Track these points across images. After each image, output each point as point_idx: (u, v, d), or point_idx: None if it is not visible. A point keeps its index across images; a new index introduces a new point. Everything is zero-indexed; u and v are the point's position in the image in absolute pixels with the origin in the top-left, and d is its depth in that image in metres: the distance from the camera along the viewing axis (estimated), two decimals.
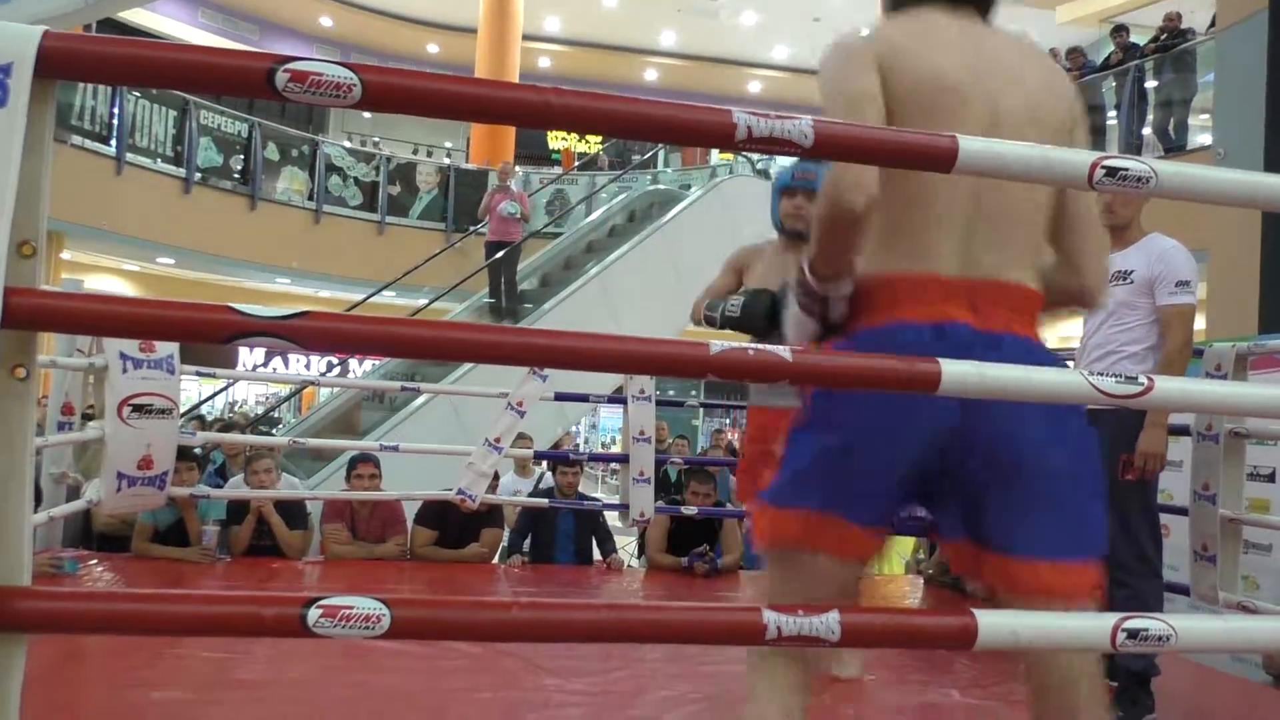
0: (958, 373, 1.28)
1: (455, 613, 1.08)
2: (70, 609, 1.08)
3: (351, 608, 1.06)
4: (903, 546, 6.42)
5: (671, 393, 9.10)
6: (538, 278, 9.89)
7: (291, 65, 1.11)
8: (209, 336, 1.03)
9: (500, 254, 8.78)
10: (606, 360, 1.15)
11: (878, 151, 1.43)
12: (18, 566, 1.10)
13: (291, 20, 18.10)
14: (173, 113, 10.37)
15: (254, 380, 10.51)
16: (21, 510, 1.11)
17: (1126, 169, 1.37)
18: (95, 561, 4.01)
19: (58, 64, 1.10)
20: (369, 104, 1.15)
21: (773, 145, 1.27)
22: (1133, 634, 1.27)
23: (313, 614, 1.06)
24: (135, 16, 15.26)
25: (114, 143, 9.80)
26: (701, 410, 15.72)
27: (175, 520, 4.20)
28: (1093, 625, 1.28)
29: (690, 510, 4.54)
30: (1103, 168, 1.37)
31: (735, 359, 1.19)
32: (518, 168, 13.75)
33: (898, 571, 6.13)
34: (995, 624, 1.20)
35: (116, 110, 9.72)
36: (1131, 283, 2.78)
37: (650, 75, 20.43)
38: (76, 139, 9.34)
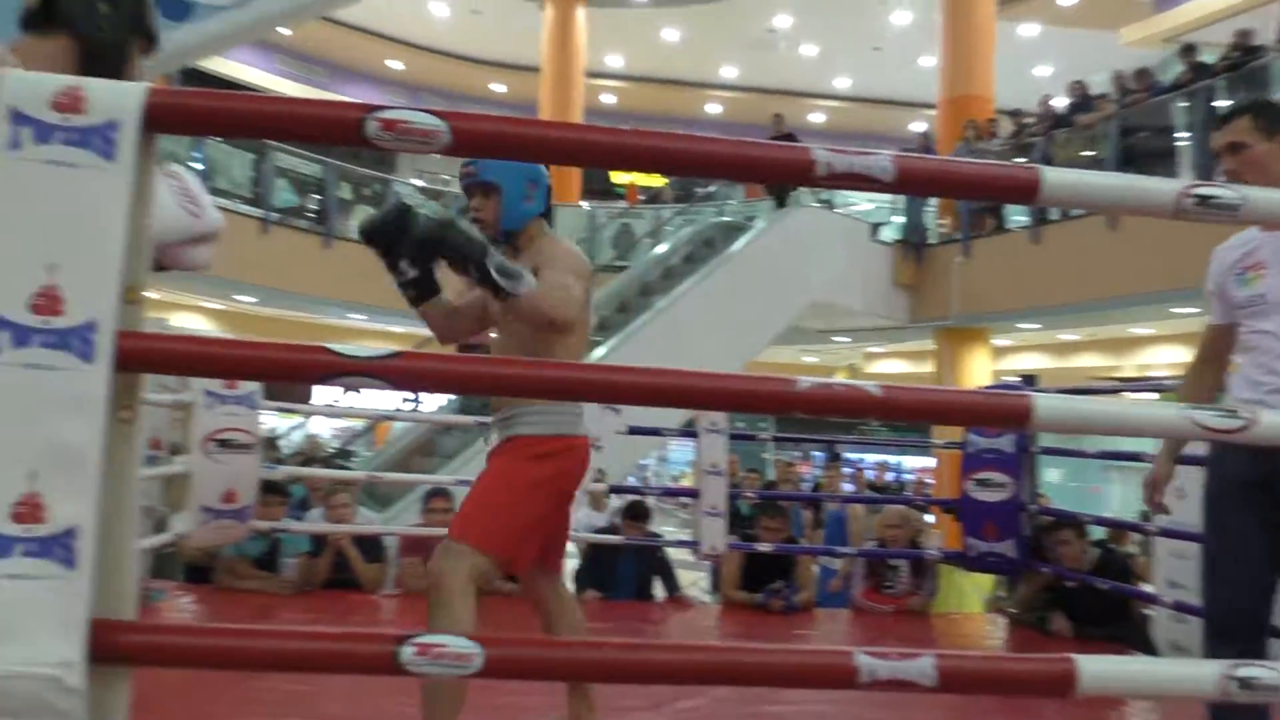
0: (1049, 406, 1.26)
1: (546, 651, 1.09)
2: (173, 643, 1.11)
3: (444, 645, 1.07)
4: (980, 583, 6.27)
5: (741, 425, 9.09)
6: (607, 309, 9.96)
7: (382, 114, 1.14)
8: (309, 377, 1.06)
9: None
10: (693, 397, 1.15)
11: (960, 185, 1.42)
12: (124, 600, 1.13)
13: (361, 64, 18.62)
14: (250, 156, 10.71)
15: (330, 415, 10.69)
16: (128, 545, 1.15)
17: (1217, 196, 1.34)
18: (181, 593, 4.11)
19: (161, 119, 1.14)
20: (457, 149, 1.17)
21: (853, 181, 1.27)
22: (1244, 682, 1.22)
23: (406, 651, 1.07)
24: (216, 64, 15.84)
25: None
26: (772, 443, 15.56)
27: (260, 553, 4.29)
28: (1201, 672, 1.23)
29: (765, 547, 4.51)
30: (1192, 196, 1.34)
31: (822, 395, 1.18)
32: (584, 203, 13.89)
33: (976, 609, 5.99)
34: (1097, 670, 1.16)
35: (198, 154, 10.07)
36: None
37: (712, 108, 20.54)
38: None
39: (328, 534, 4.40)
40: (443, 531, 4.45)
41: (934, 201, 11.25)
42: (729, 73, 19.34)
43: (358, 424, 10.34)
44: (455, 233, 2.02)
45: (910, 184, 1.30)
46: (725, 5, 15.87)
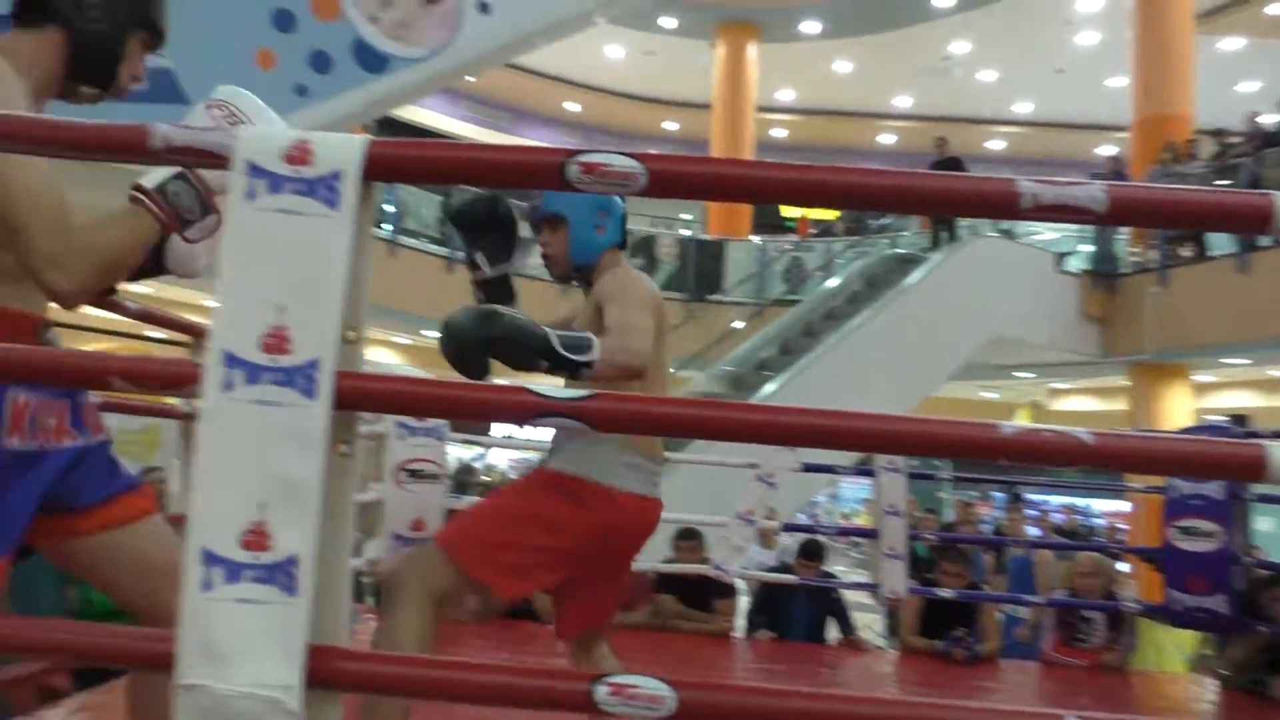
0: None
1: (739, 698, 1.07)
2: (383, 671, 1.15)
3: (637, 687, 1.07)
4: (1181, 640, 5.78)
5: (915, 464, 8.81)
6: (776, 346, 9.88)
7: (582, 158, 1.17)
8: (513, 417, 1.09)
9: None
10: (893, 441, 1.11)
11: (1181, 216, 1.33)
12: (339, 628, 1.19)
13: (539, 107, 19.35)
14: (437, 198, 11.27)
15: (509, 447, 11.04)
16: (344, 575, 1.21)
17: None
18: (372, 616, 4.31)
19: (380, 169, 1.21)
20: (654, 191, 1.18)
21: (1062, 213, 1.20)
22: None
23: (601, 690, 1.07)
24: (404, 111, 16.80)
25: (388, 227, 10.77)
26: (948, 482, 14.97)
27: None
28: None
29: (947, 593, 4.32)
30: None
31: (1028, 441, 1.12)
32: (754, 237, 13.90)
33: (1177, 668, 5.53)
34: None
35: (390, 196, 10.69)
36: None
37: (885, 139, 20.20)
38: None
39: None
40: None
41: (1125, 228, 10.64)
42: (902, 102, 18.99)
43: (533, 456, 10.61)
44: (503, 328, 1.71)
45: (1125, 214, 1.22)
46: (899, 34, 15.63)
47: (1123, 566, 6.25)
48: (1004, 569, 6.40)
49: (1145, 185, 1.26)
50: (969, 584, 4.59)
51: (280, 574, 1.11)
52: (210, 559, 1.12)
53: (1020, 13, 14.86)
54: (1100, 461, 1.15)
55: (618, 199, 2.21)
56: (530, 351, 1.73)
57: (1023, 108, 18.84)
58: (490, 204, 2.11)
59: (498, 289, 2.15)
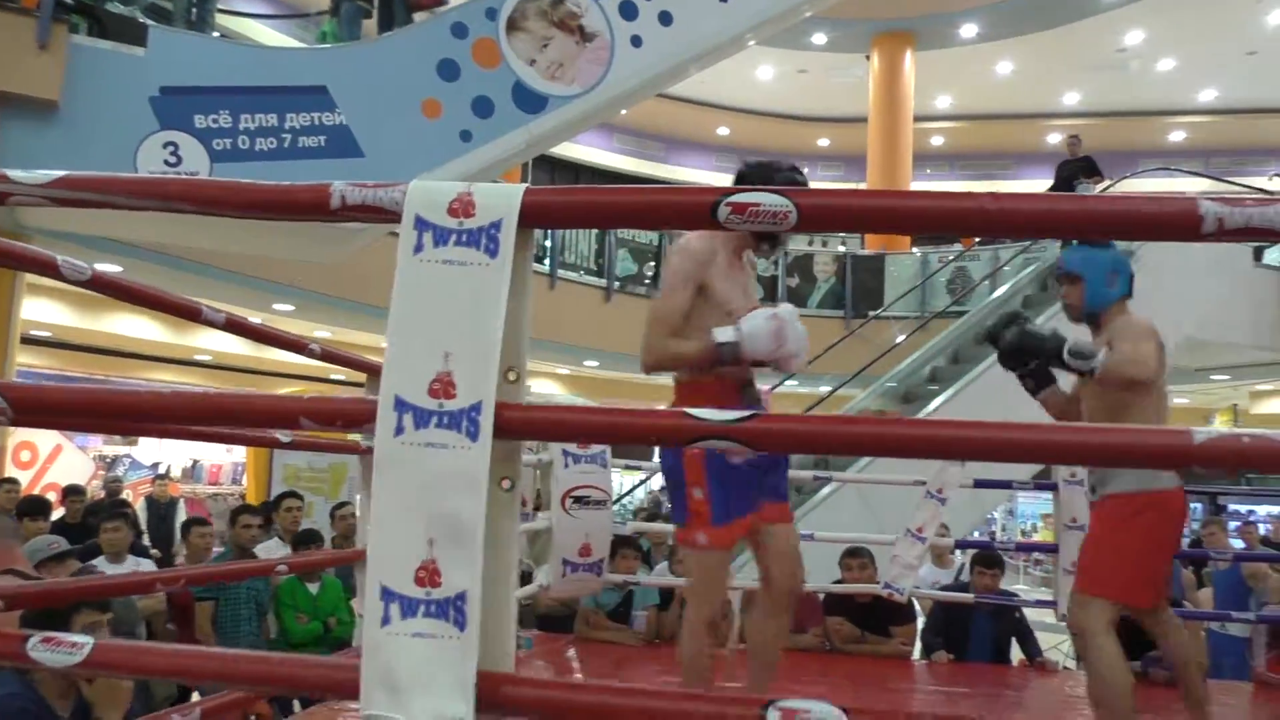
0: None
1: None
2: (551, 697, 1.20)
3: (809, 712, 1.07)
4: None
5: None
6: (945, 358, 9.57)
7: (732, 199, 1.18)
8: (670, 440, 1.12)
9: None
10: (1069, 452, 1.07)
11: None
12: (505, 654, 1.23)
13: (691, 134, 19.50)
14: (595, 230, 11.55)
15: None
16: (509, 604, 1.26)
17: None
18: (542, 641, 4.43)
19: (536, 215, 1.26)
20: (805, 227, 1.18)
21: (1249, 235, 1.12)
22: None
23: (771, 715, 1.08)
24: (560, 149, 17.28)
25: (548, 262, 11.10)
26: None
27: (615, 605, 4.53)
28: None
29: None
30: None
31: (1227, 448, 1.05)
32: (915, 249, 13.55)
33: None
34: None
35: (549, 234, 11.02)
36: None
37: (1053, 139, 19.31)
38: None
39: (675, 588, 4.55)
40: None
41: None
42: (1071, 99, 18.12)
43: None
44: (1028, 339, 2.65)
45: None
46: (1066, 30, 14.94)
47: None
48: (1203, 584, 5.98)
49: None
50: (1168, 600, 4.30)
51: (451, 609, 1.16)
52: (388, 595, 1.18)
53: None
54: None
55: (1125, 260, 2.84)
56: (1045, 353, 2.64)
57: (1207, 95, 17.64)
58: (1020, 337, 2.74)
59: (1040, 377, 2.83)
